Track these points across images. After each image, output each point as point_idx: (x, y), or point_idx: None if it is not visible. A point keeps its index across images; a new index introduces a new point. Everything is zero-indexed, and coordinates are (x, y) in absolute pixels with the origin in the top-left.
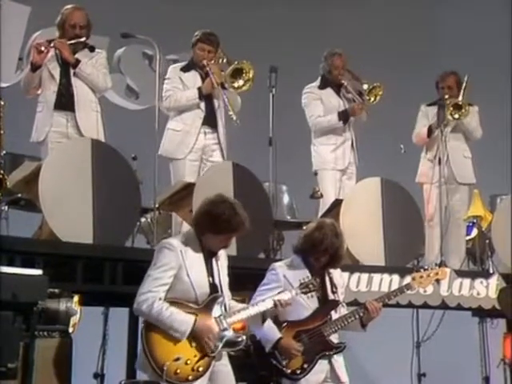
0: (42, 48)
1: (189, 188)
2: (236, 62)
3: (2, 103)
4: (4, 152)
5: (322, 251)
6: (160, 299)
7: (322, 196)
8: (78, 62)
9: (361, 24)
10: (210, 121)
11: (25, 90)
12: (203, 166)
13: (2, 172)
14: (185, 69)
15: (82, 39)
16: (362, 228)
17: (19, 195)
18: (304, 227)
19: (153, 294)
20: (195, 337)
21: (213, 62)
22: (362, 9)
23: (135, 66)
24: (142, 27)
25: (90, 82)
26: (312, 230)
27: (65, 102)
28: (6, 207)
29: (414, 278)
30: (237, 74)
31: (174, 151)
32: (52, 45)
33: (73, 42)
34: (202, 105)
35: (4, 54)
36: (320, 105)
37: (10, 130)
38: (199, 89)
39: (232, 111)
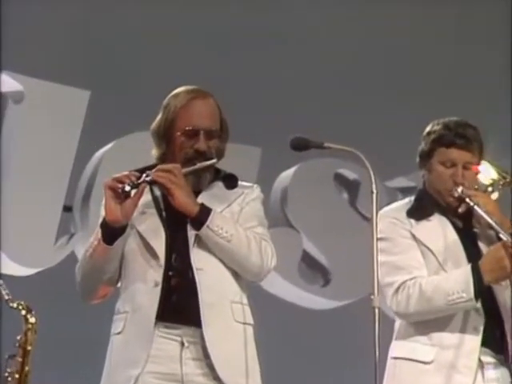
0: (126, 188)
1: None
2: None
3: (33, 320)
4: None
5: None
6: None
7: None
8: (205, 211)
9: None
10: (490, 336)
11: (86, 291)
12: None
13: None
14: (417, 212)
15: (213, 161)
16: None
17: None
18: None
19: None
20: None
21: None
22: None
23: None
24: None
25: (231, 257)
26: None
27: (177, 304)
28: None
29: None
30: None
31: None
32: (148, 179)
33: (192, 168)
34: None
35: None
36: None
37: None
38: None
39: None
